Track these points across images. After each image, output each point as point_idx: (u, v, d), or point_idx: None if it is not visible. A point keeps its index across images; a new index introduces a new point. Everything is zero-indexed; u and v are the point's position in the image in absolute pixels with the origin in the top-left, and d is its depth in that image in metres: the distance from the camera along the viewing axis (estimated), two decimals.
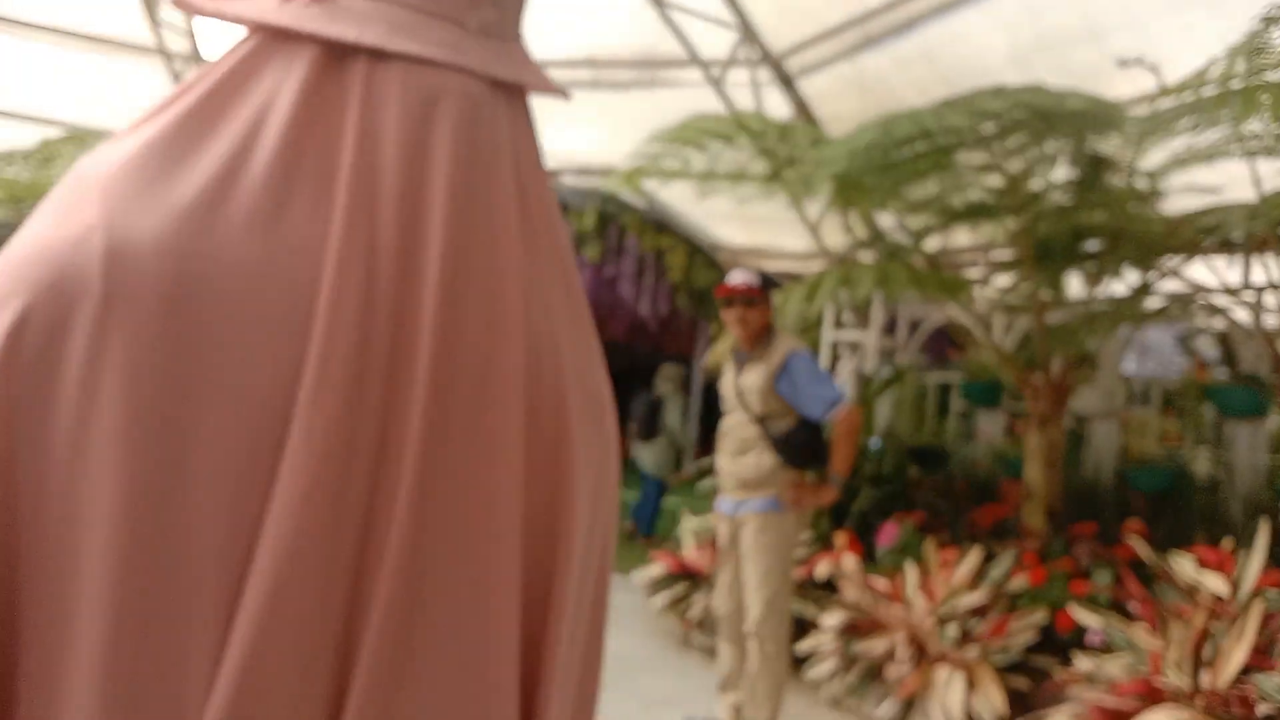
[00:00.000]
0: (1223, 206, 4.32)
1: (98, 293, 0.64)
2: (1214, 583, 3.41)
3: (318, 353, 0.66)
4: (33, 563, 0.63)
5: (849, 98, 6.03)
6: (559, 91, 0.87)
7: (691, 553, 5.48)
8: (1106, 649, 3.86)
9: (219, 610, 0.63)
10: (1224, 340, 7.85)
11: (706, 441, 5.89)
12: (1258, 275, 4.75)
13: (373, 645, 0.64)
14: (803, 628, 4.89)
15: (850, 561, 4.46)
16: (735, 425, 3.81)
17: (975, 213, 4.91)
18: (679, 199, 7.30)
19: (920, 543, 5.02)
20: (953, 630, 3.92)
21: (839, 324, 6.93)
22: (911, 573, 4.38)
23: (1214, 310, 5.06)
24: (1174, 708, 2.83)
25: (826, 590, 4.80)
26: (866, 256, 6.40)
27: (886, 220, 6.76)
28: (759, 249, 7.37)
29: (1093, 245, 4.92)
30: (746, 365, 3.78)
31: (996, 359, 5.73)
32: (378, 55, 0.70)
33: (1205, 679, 2.90)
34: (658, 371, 7.58)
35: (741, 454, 3.75)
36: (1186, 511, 4.95)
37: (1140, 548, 3.82)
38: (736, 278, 3.85)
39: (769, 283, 3.85)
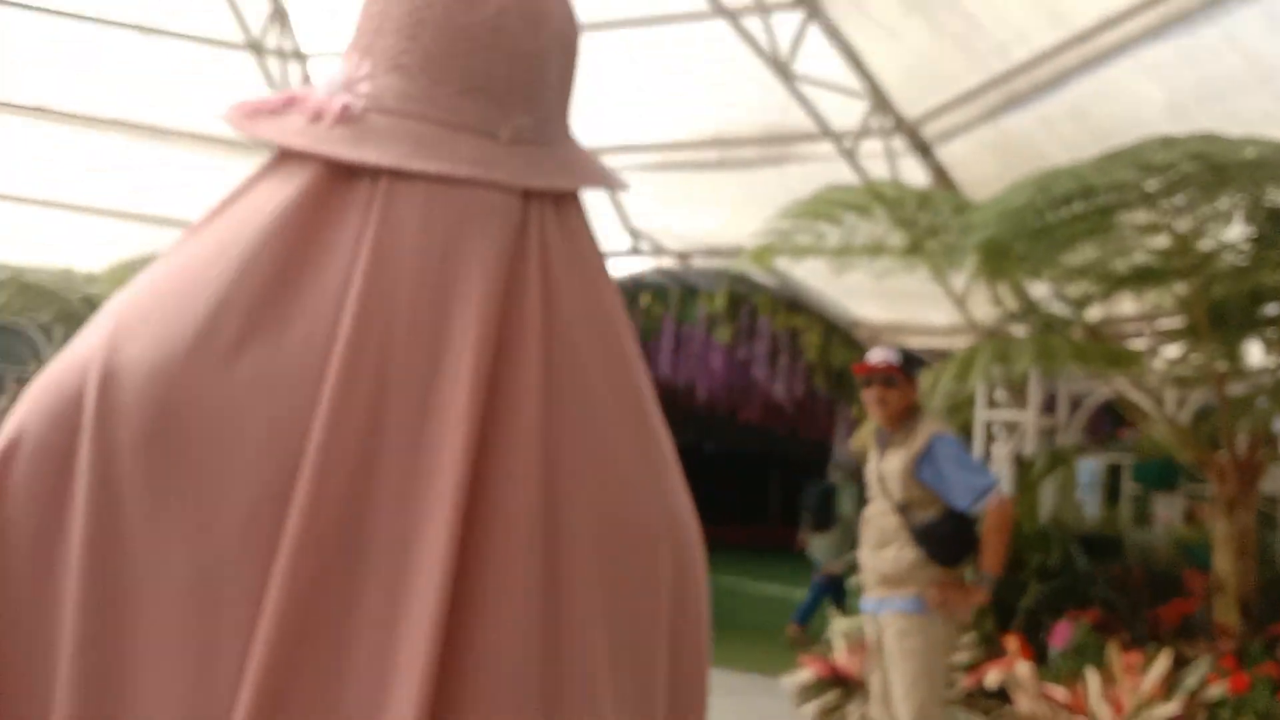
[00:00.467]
0: None
1: (90, 415, 0.65)
2: None
3: (305, 491, 0.63)
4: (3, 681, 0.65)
5: (990, 162, 5.71)
6: (616, 184, 0.84)
7: (842, 656, 5.08)
8: None
9: None
10: None
11: None
12: None
13: None
14: None
15: (1024, 668, 4.02)
16: (876, 514, 3.57)
17: (1141, 278, 4.50)
18: (813, 276, 7.03)
19: (1097, 643, 4.53)
20: None
21: (992, 403, 6.48)
22: (1093, 680, 3.91)
23: None
24: None
25: (997, 700, 4.34)
26: (1019, 330, 5.99)
27: (1039, 290, 6.34)
28: (900, 325, 7.02)
29: (1274, 308, 4.44)
30: (888, 449, 3.55)
31: (1172, 437, 5.21)
32: (399, 174, 0.69)
33: None
34: (830, 459, 7.32)
35: (882, 547, 3.50)
36: None
37: None
38: (876, 355, 3.67)
39: (911, 360, 3.66)
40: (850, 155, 5.90)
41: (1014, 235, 4.05)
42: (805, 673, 5.20)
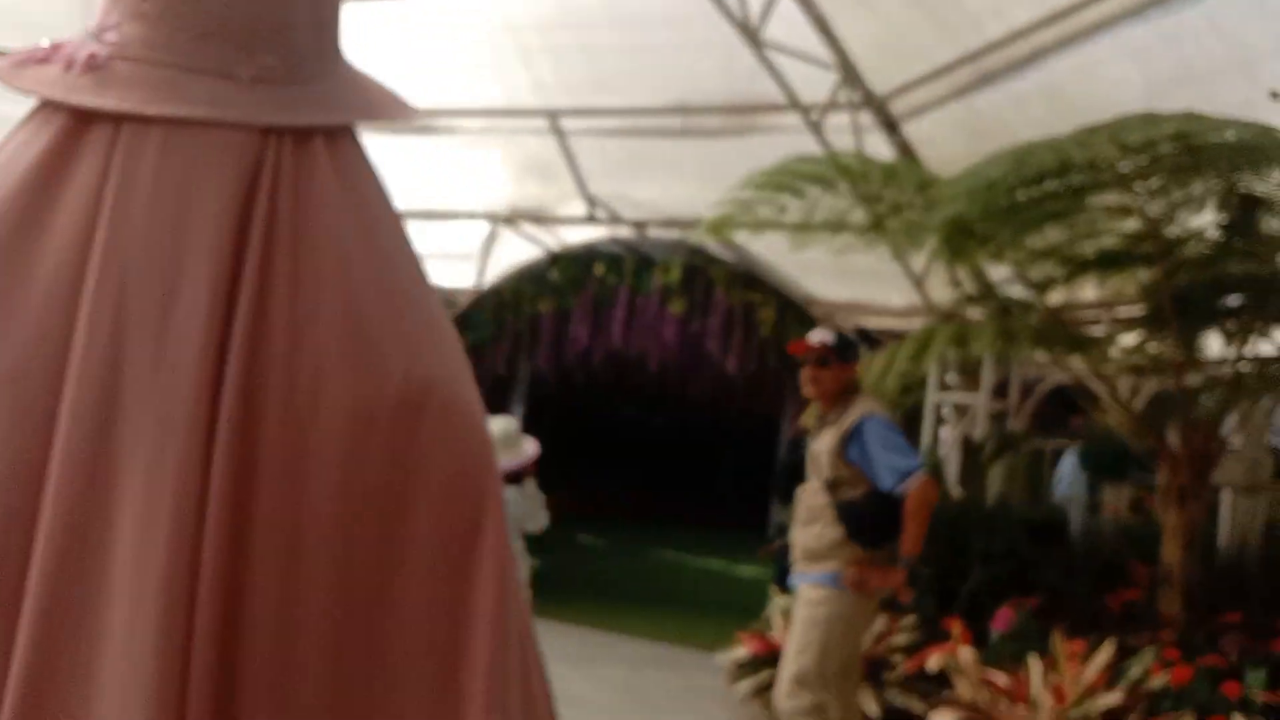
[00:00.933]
0: None
1: None
2: None
3: (65, 411, 0.67)
4: None
5: (959, 141, 5.61)
6: (395, 115, 0.85)
7: (780, 634, 4.99)
8: None
9: None
10: None
11: None
12: None
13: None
14: None
15: (966, 654, 3.95)
16: (808, 492, 3.60)
17: (1108, 262, 4.43)
18: (770, 251, 6.92)
19: (1039, 629, 4.49)
20: None
21: (944, 386, 6.43)
22: (1035, 667, 3.85)
23: None
24: None
25: (936, 684, 4.28)
26: (975, 314, 5.93)
27: (997, 274, 6.28)
28: (856, 304, 6.94)
29: (1236, 299, 4.41)
30: (822, 428, 3.58)
31: (1125, 425, 5.18)
32: (138, 119, 0.71)
33: None
34: (779, 436, 7.19)
35: (809, 524, 3.53)
36: None
37: None
38: (813, 336, 3.70)
39: (847, 342, 3.67)
40: (817, 128, 5.77)
41: (983, 212, 3.95)
42: (740, 650, 5.12)
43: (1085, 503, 5.88)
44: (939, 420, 6.38)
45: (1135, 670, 3.64)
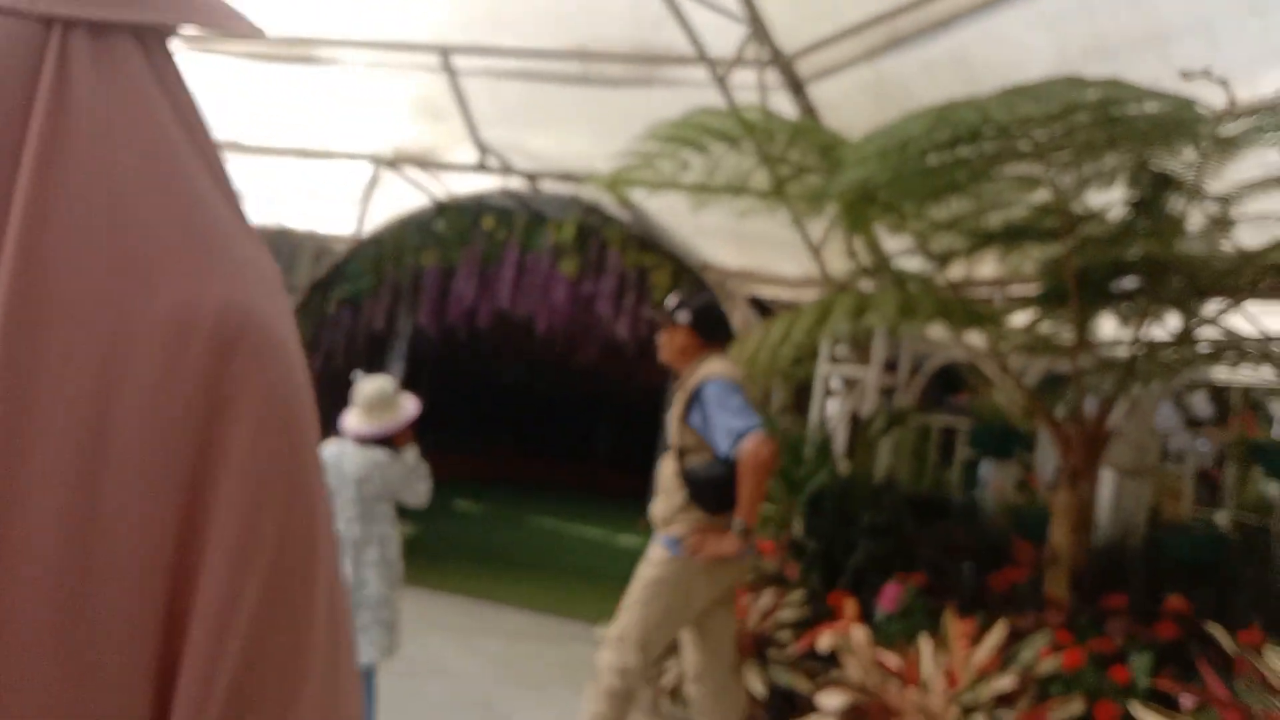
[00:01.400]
0: None
1: None
2: None
3: None
4: None
5: (864, 106, 5.46)
6: (193, 19, 0.73)
7: None
8: None
9: None
10: (1218, 398, 7.30)
11: None
12: None
13: None
14: (794, 706, 4.24)
15: (859, 634, 3.81)
16: (664, 461, 3.56)
17: (1013, 236, 4.32)
18: (669, 213, 6.69)
19: (925, 607, 4.41)
20: None
21: (835, 359, 6.32)
22: (927, 649, 3.74)
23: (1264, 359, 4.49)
24: None
25: (823, 663, 4.15)
26: (868, 287, 5.83)
27: (891, 246, 6.19)
28: (751, 272, 6.76)
29: (1133, 280, 4.36)
30: (676, 395, 3.57)
31: (1020, 404, 5.14)
32: None
33: None
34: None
35: (662, 491, 3.50)
36: (1230, 585, 4.36)
37: (1221, 636, 3.21)
38: (668, 299, 3.72)
39: (694, 305, 3.65)
40: (722, 84, 5.54)
41: (893, 176, 3.77)
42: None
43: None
44: (828, 393, 6.28)
45: (1028, 653, 3.55)
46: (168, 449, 0.63)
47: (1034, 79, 3.38)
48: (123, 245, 0.65)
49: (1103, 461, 4.60)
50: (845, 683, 3.77)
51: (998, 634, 3.70)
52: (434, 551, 9.14)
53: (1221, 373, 5.73)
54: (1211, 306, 4.16)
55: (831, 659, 4.05)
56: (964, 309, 4.35)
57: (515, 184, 7.22)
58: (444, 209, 7.60)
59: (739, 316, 6.71)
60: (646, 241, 7.05)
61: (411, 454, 3.80)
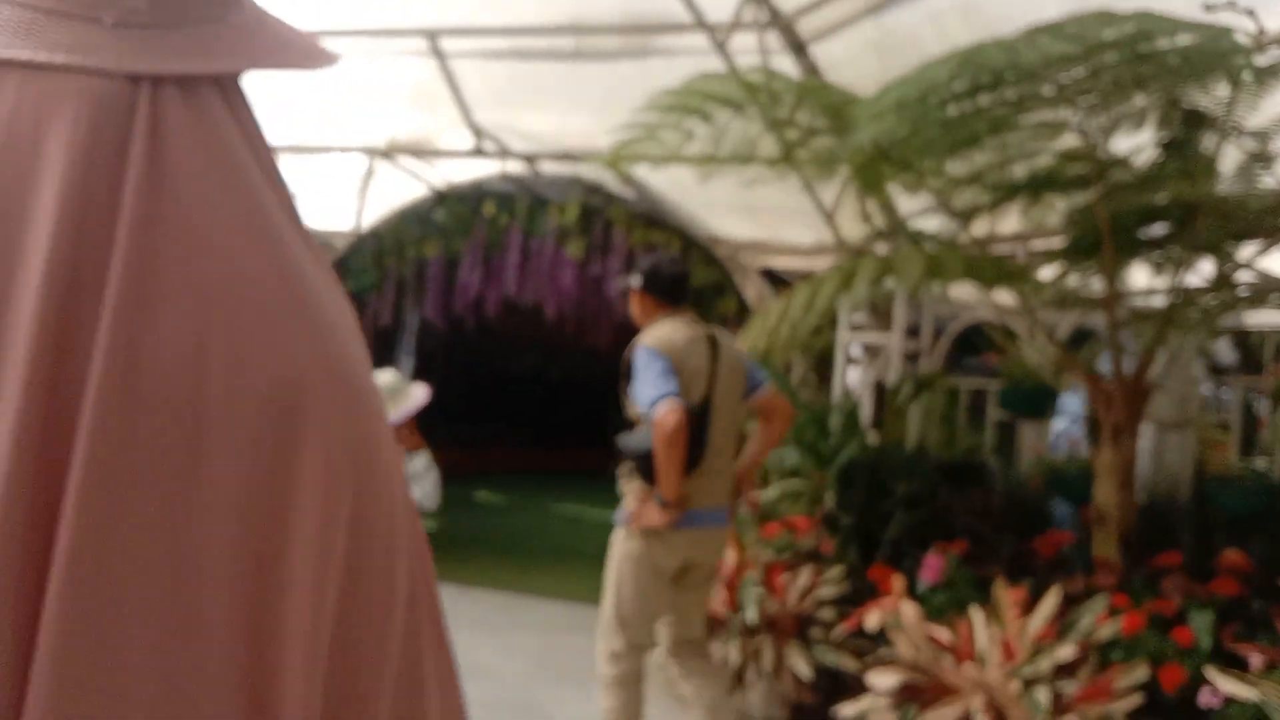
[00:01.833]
0: None
1: None
2: None
3: None
4: None
5: (869, 64, 5.26)
6: (292, 64, 0.75)
7: None
8: (1227, 716, 3.09)
9: None
10: (1243, 343, 7.10)
11: None
12: None
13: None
14: (843, 685, 4.10)
15: (909, 610, 3.66)
16: None
17: (1040, 186, 4.14)
18: (674, 187, 6.50)
19: (969, 577, 4.26)
20: (1043, 696, 3.13)
21: (853, 326, 6.15)
22: (979, 621, 3.59)
23: None
24: None
25: (870, 641, 4.00)
26: (885, 250, 5.65)
27: (907, 206, 6.01)
28: (762, 243, 6.58)
29: (1164, 227, 4.18)
30: None
31: (1050, 361, 4.97)
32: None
33: None
34: None
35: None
36: None
37: None
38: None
39: (644, 268, 3.62)
40: (721, 50, 5.34)
41: (913, 129, 3.60)
42: None
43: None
44: (849, 362, 6.11)
45: (1085, 621, 3.39)
46: (254, 496, 0.64)
47: (1057, 18, 3.20)
48: (222, 308, 0.65)
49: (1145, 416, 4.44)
50: (896, 661, 3.63)
51: (1051, 601, 3.55)
52: (459, 545, 9.03)
53: (1252, 318, 5.53)
54: (1249, 249, 3.98)
55: (878, 636, 3.90)
56: (993, 266, 4.17)
57: (514, 167, 7.04)
58: (443, 198, 7.43)
59: (752, 290, 6.54)
60: (652, 218, 6.87)
61: (421, 459, 3.81)
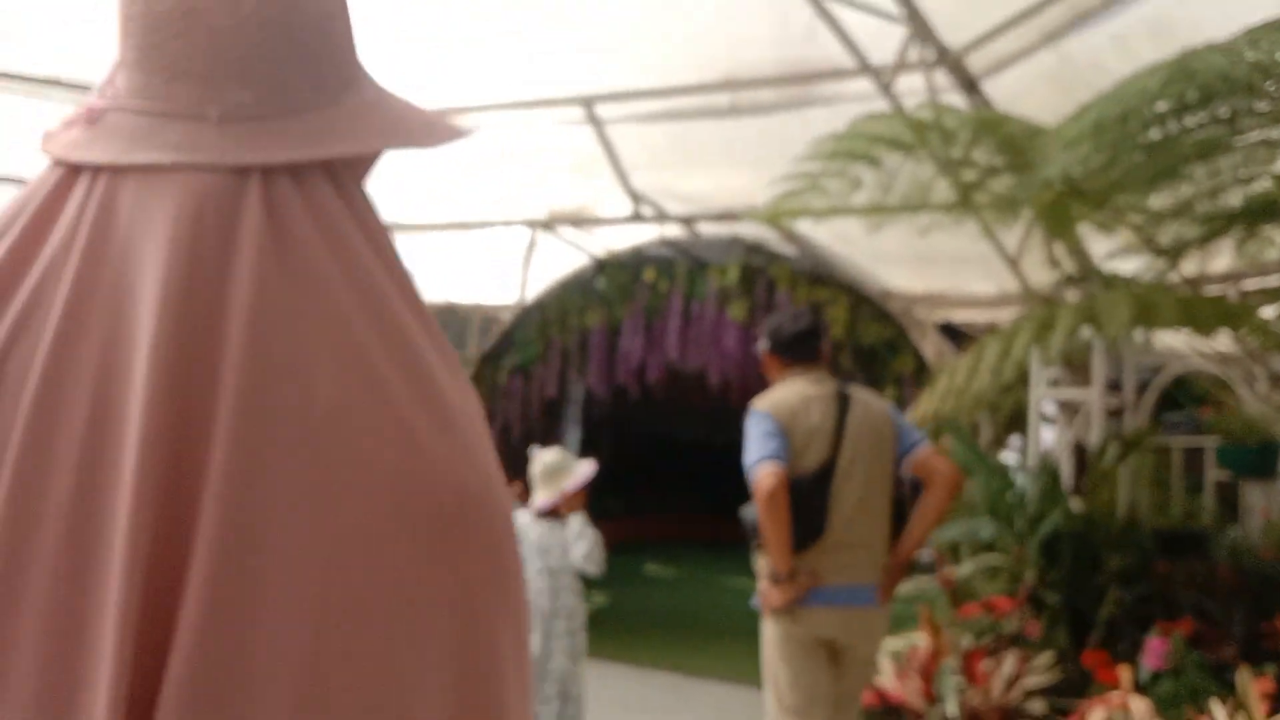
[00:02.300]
0: None
1: None
2: None
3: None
4: None
5: (1048, 96, 4.84)
6: (404, 142, 0.72)
7: (890, 680, 4.24)
8: None
9: None
10: None
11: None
12: None
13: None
14: None
15: (1141, 707, 3.17)
16: None
17: (1258, 215, 3.65)
18: (838, 240, 6.20)
19: (1198, 663, 3.71)
20: None
21: (1048, 382, 5.64)
22: (1220, 715, 3.06)
23: None
24: None
25: None
26: (1075, 297, 5.18)
27: (1098, 248, 5.52)
28: (939, 295, 6.17)
29: None
30: None
31: (1279, 412, 4.38)
32: (116, 170, 0.68)
33: None
34: None
35: None
36: None
37: None
38: None
39: (771, 328, 3.40)
40: (887, 92, 5.05)
41: (1111, 157, 3.21)
42: None
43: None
44: (1044, 421, 5.60)
45: None
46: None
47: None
48: (354, 418, 0.63)
49: None
50: None
51: None
52: (627, 622, 8.79)
53: None
54: None
55: None
56: (1210, 307, 3.69)
57: (672, 231, 6.89)
58: (604, 266, 7.34)
59: (930, 346, 6.11)
60: (818, 275, 6.57)
61: (577, 520, 3.76)
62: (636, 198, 6.57)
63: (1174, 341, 5.20)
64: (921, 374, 6.03)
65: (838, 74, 5.19)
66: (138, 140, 0.68)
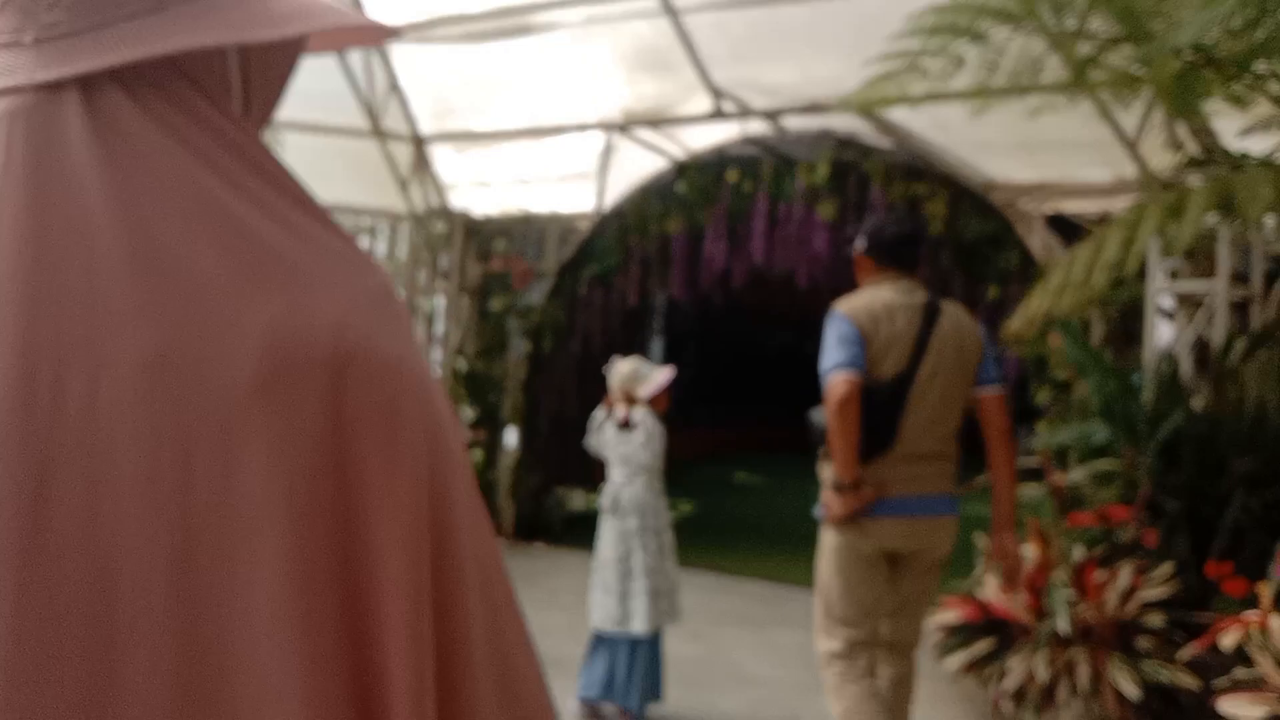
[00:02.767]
0: None
1: None
2: None
3: None
4: None
5: None
6: (234, 35, 0.68)
7: (996, 594, 4.02)
8: None
9: None
10: None
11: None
12: None
13: None
14: (1180, 709, 3.39)
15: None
16: None
17: None
18: (937, 129, 5.79)
19: None
20: None
21: (1168, 274, 5.23)
22: None
23: None
24: None
25: (1214, 655, 3.25)
26: (1197, 183, 4.74)
27: (1226, 127, 5.06)
28: (1048, 185, 5.73)
29: None
30: None
31: None
32: None
33: None
34: None
35: None
36: None
37: None
38: None
39: (871, 229, 3.26)
40: None
41: (1256, 15, 2.83)
42: (949, 614, 4.16)
43: None
44: (1169, 316, 5.21)
45: None
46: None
47: None
48: (179, 284, 0.62)
49: None
50: (1260, 685, 2.88)
51: None
52: (716, 530, 8.69)
53: None
54: None
55: (1240, 656, 3.15)
56: None
57: (756, 128, 6.54)
58: (684, 169, 7.04)
59: (1037, 241, 5.73)
60: (914, 168, 6.18)
61: (637, 413, 3.87)
62: (717, 93, 6.23)
63: None
64: (1028, 271, 5.66)
65: None
66: None
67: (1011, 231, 5.79)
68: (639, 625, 3.75)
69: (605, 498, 3.97)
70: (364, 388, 0.60)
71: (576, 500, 8.57)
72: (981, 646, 3.91)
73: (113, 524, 0.57)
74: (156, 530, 0.58)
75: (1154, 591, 3.79)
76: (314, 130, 6.77)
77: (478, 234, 7.84)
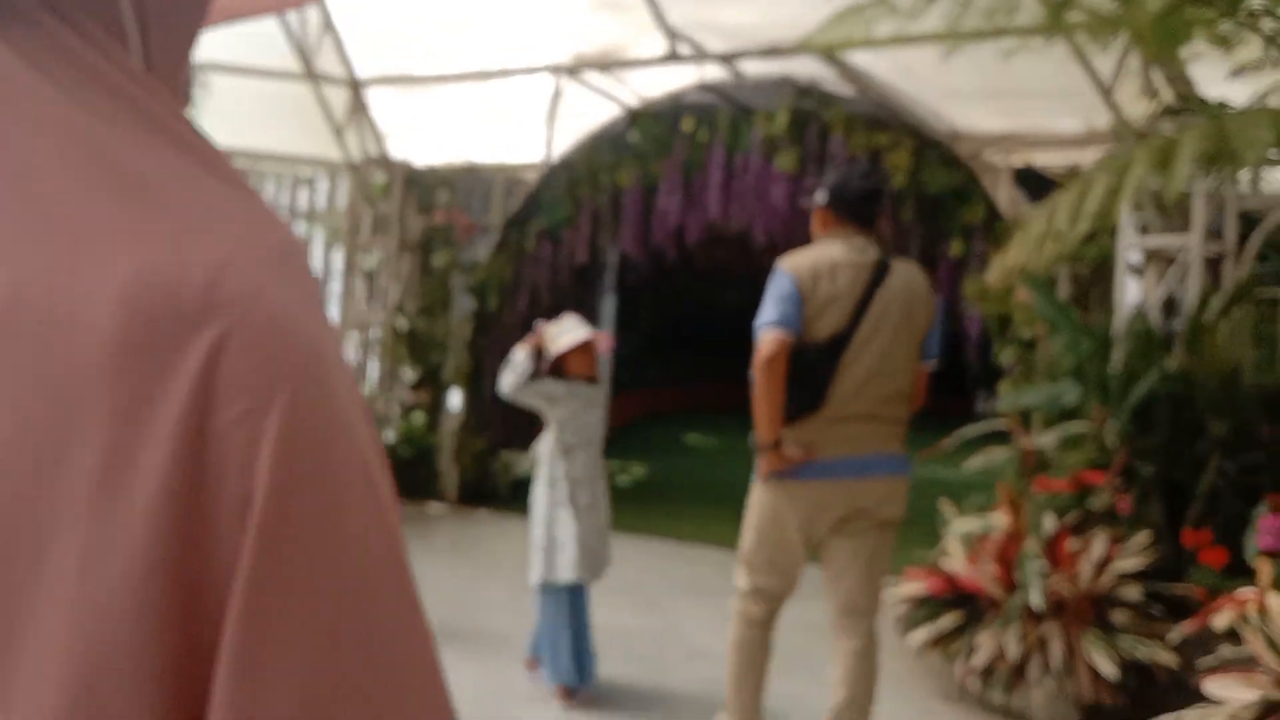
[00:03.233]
0: None
1: None
2: None
3: None
4: None
5: None
6: None
7: (963, 566, 3.81)
8: None
9: None
10: None
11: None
12: None
13: None
14: (1158, 688, 3.20)
15: (1278, 605, 2.69)
16: None
17: None
18: (902, 76, 5.52)
19: None
20: None
21: (1138, 229, 5.02)
22: None
23: None
24: None
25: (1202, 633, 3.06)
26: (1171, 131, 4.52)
27: (1204, 74, 4.85)
28: (1017, 135, 5.49)
29: None
30: None
31: None
32: None
33: None
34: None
35: None
36: None
37: None
38: None
39: (832, 181, 3.10)
40: None
41: None
42: (912, 586, 3.95)
43: None
44: (1139, 272, 5.01)
45: None
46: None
47: None
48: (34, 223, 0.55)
49: None
50: (1247, 665, 2.69)
51: None
52: (669, 495, 8.47)
53: None
54: None
55: (1228, 632, 2.95)
56: None
57: (713, 73, 6.21)
58: (637, 117, 6.71)
59: (1004, 194, 5.49)
60: (877, 118, 5.91)
61: (516, 352, 3.73)
62: (672, 34, 5.89)
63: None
64: (993, 224, 5.43)
65: None
66: None
67: (977, 184, 5.55)
68: (566, 574, 3.75)
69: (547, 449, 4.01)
70: (243, 352, 0.50)
71: (523, 464, 8.28)
72: (948, 621, 3.70)
73: None
74: None
75: (1130, 562, 3.60)
76: (241, 72, 6.34)
77: (419, 185, 7.45)
